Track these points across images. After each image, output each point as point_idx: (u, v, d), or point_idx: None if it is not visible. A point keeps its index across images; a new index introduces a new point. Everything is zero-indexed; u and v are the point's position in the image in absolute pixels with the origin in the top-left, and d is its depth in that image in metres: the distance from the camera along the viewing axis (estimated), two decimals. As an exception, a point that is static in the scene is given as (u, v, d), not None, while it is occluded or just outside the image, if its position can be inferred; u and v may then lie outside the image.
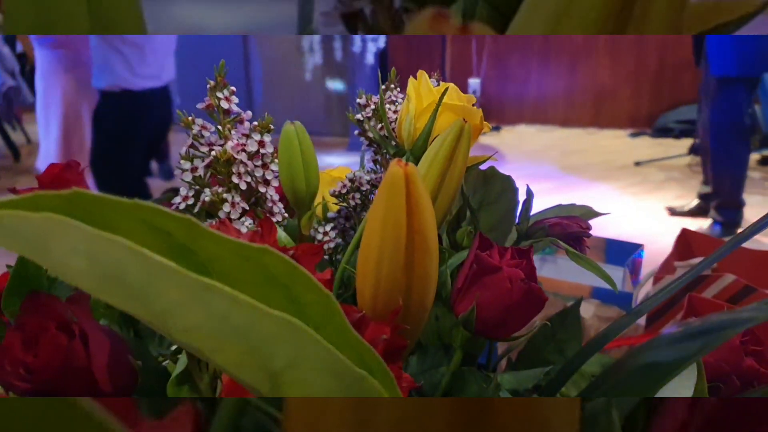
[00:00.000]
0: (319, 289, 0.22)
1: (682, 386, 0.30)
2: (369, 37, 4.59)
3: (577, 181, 3.79)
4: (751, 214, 3.02)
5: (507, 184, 0.45)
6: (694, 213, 3.17)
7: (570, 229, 0.44)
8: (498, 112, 5.42)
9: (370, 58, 4.64)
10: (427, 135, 0.41)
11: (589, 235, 0.44)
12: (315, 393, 0.21)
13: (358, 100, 0.47)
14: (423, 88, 0.42)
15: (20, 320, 0.28)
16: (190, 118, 0.35)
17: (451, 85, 0.42)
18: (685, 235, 0.82)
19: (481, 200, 0.46)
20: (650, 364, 0.22)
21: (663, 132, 4.94)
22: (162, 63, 2.16)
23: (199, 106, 0.35)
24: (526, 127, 5.45)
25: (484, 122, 0.43)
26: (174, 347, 0.39)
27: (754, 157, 4.20)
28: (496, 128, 5.29)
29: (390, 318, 0.29)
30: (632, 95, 5.15)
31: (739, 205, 2.99)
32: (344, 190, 0.47)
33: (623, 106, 5.19)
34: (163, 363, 0.40)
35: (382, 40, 4.69)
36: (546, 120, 5.42)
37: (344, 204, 0.47)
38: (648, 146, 4.72)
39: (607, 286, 0.80)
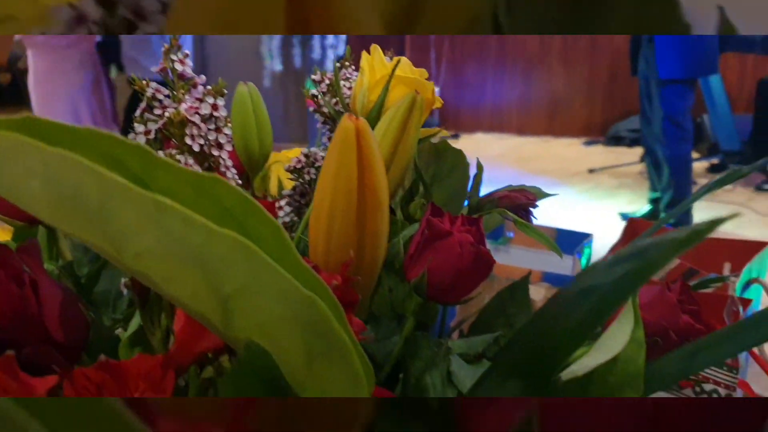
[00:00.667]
0: (271, 222, 0.22)
1: (619, 333, 0.32)
2: (329, 44, 4.60)
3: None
4: (700, 219, 3.11)
5: (458, 159, 0.47)
6: (646, 218, 3.25)
7: (518, 200, 0.45)
8: (456, 120, 5.48)
9: (329, 66, 4.65)
10: (381, 106, 0.42)
11: (536, 206, 0.46)
12: (265, 319, 0.22)
13: (312, 77, 0.47)
14: (376, 61, 0.43)
15: (-29, 270, 0.28)
16: (144, 81, 0.35)
17: (404, 58, 0.43)
18: (632, 224, 0.84)
19: (434, 175, 0.47)
20: (587, 288, 0.23)
21: (615, 140, 5.06)
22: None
23: (154, 69, 0.35)
24: (484, 134, 5.51)
25: (436, 98, 0.44)
26: (126, 312, 0.39)
27: (703, 165, 4.33)
28: (455, 136, 5.35)
29: (342, 269, 0.30)
30: (585, 104, 5.26)
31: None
32: (299, 165, 0.47)
33: (577, 114, 5.30)
34: (116, 332, 0.40)
35: (341, 48, 4.70)
36: (502, 128, 5.50)
37: (299, 179, 0.48)
38: (601, 154, 4.82)
39: (557, 271, 0.82)
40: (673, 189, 3.07)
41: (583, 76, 5.20)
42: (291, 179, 0.48)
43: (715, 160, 4.35)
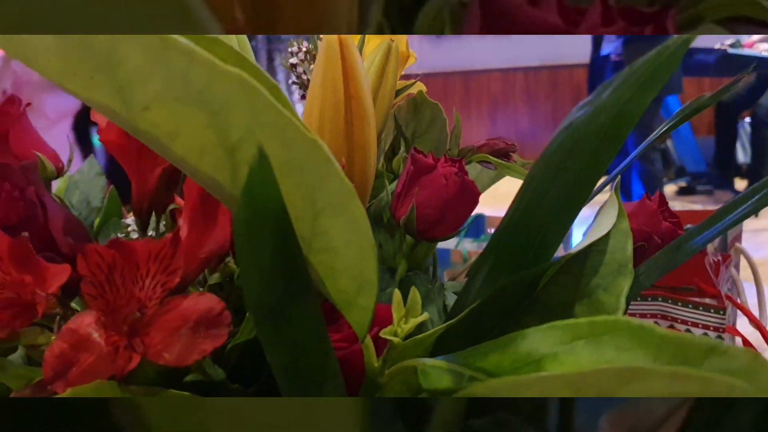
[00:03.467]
0: (268, 80, 0.24)
1: (604, 223, 0.33)
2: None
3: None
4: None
5: (436, 113, 0.48)
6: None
7: (497, 146, 0.47)
8: (427, 164, 5.56)
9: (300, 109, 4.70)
10: (358, 58, 0.44)
11: (515, 150, 0.48)
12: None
13: (290, 49, 0.49)
14: (350, 19, 0.45)
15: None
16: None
17: (376, 13, 0.45)
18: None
19: (414, 131, 0.49)
20: (568, 126, 0.25)
21: (585, 171, 5.16)
22: None
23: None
24: (455, 176, 5.58)
25: (411, 51, 0.46)
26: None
27: (672, 188, 4.42)
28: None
29: (335, 174, 0.31)
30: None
31: None
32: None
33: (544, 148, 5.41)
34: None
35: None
36: (474, 168, 5.58)
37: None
38: (572, 185, 4.90)
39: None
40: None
41: (547, 111, 5.33)
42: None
43: (682, 183, 4.44)
